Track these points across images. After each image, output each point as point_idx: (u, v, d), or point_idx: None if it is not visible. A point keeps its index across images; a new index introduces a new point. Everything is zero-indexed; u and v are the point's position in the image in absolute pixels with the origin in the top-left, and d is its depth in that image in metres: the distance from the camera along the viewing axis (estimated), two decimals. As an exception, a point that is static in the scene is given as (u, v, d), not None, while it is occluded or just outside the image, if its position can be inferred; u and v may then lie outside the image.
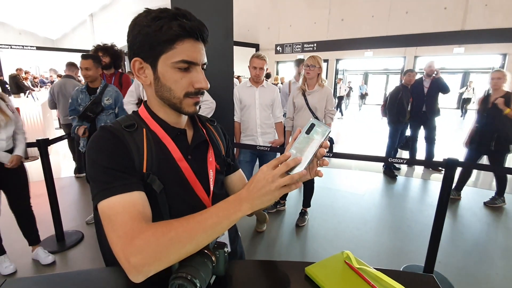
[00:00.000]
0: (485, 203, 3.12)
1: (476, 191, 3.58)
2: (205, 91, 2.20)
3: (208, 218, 0.53)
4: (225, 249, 0.63)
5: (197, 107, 0.67)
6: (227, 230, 0.79)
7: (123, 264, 0.50)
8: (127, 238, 0.51)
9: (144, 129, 0.66)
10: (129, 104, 2.29)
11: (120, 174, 0.58)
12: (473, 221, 2.83)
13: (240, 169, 0.88)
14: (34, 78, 10.55)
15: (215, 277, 0.63)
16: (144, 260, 0.49)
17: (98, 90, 2.34)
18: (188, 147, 0.70)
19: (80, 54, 2.45)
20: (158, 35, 0.59)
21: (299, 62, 3.57)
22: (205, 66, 0.67)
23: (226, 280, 0.66)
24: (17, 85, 7.44)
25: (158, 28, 0.58)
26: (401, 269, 2.07)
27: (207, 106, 2.15)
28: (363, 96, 13.37)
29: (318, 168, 0.57)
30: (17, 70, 7.98)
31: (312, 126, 0.56)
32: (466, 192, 3.52)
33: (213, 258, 0.61)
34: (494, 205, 3.06)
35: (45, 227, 2.23)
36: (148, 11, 0.60)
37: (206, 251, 0.60)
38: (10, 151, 1.89)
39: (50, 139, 2.29)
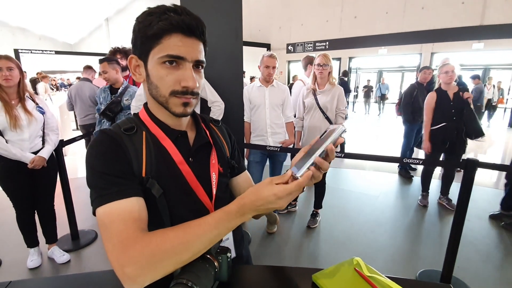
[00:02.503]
0: (439, 202, 3.05)
1: (496, 192, 3.41)
2: (214, 92, 2.14)
3: (207, 230, 0.51)
4: (228, 254, 0.61)
5: (187, 109, 0.63)
6: (232, 234, 0.78)
7: (117, 272, 0.50)
8: (122, 247, 0.50)
9: (144, 132, 0.65)
10: (137, 110, 2.25)
11: (117, 179, 0.57)
12: (493, 223, 2.69)
13: (246, 171, 0.85)
14: (53, 80, 10.91)
15: (218, 283, 0.61)
16: (138, 271, 0.48)
17: (119, 91, 2.43)
18: (189, 150, 0.68)
19: (97, 57, 2.54)
20: (147, 30, 0.58)
21: (309, 61, 3.33)
22: (202, 65, 0.63)
23: (230, 286, 0.64)
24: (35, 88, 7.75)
25: (148, 24, 0.57)
26: (417, 274, 1.99)
27: (218, 108, 2.14)
28: (383, 98, 11.08)
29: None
30: (37, 74, 8.29)
31: (326, 130, 0.54)
32: (486, 193, 3.37)
33: (216, 264, 0.59)
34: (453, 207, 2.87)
35: (61, 226, 2.29)
36: (148, 9, 0.60)
37: (208, 256, 0.58)
38: (38, 152, 1.93)
39: (65, 140, 2.35)
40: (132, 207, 0.55)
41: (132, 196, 0.56)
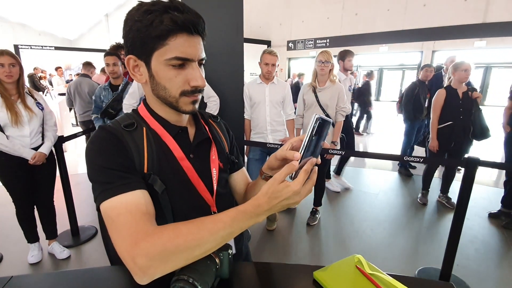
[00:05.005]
0: (439, 201, 3.10)
1: (495, 190, 3.42)
2: (209, 87, 2.15)
3: (221, 229, 0.50)
4: (230, 251, 0.61)
5: (195, 106, 0.63)
6: None
7: (128, 265, 0.49)
8: (132, 240, 0.50)
9: (144, 128, 0.64)
10: (130, 109, 2.18)
11: (121, 173, 0.56)
12: (493, 221, 2.70)
13: (244, 168, 0.85)
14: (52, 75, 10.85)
15: (219, 279, 0.61)
16: (149, 262, 0.48)
17: (120, 87, 2.38)
18: (190, 146, 0.68)
19: (96, 53, 2.51)
20: (149, 31, 0.55)
21: (344, 55, 3.08)
22: (203, 61, 0.63)
23: (231, 283, 0.64)
24: (34, 84, 7.70)
25: (149, 23, 0.54)
26: (416, 272, 2.00)
27: (214, 103, 2.13)
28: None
29: None
30: (34, 69, 8.22)
31: (319, 125, 0.53)
32: (485, 191, 3.37)
33: (217, 261, 0.59)
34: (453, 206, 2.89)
35: (61, 222, 2.29)
36: (140, 4, 0.57)
37: (209, 252, 0.58)
38: (39, 148, 1.93)
39: (65, 136, 2.35)
40: (138, 200, 0.55)
41: (137, 189, 0.56)
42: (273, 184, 0.50)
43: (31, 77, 7.56)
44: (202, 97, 2.10)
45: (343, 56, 3.10)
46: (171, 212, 0.62)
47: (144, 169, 0.60)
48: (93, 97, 2.50)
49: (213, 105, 2.12)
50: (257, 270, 0.73)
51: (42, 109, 1.96)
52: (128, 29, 0.57)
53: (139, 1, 0.59)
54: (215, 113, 2.11)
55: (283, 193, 0.49)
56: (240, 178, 0.82)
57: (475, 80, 9.20)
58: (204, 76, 0.63)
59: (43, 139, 1.98)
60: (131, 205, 0.54)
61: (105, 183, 0.55)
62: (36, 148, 1.91)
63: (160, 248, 0.48)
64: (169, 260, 0.49)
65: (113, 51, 2.48)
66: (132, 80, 2.62)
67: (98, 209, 0.56)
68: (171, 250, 0.49)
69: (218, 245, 0.52)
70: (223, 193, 0.73)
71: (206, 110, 2.11)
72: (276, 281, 0.68)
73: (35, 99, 1.94)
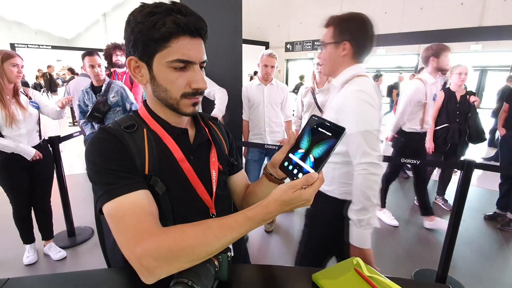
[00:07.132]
0: (435, 202, 3.14)
1: (490, 192, 3.45)
2: (211, 81, 2.11)
3: (228, 234, 0.52)
4: (229, 254, 0.61)
5: (196, 108, 0.64)
6: None
7: (134, 265, 0.50)
8: (137, 240, 0.50)
9: (144, 129, 0.64)
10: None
11: (123, 174, 0.56)
12: (488, 223, 2.72)
13: (243, 170, 0.85)
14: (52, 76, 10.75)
15: (218, 282, 0.61)
16: (155, 263, 0.49)
17: (103, 88, 2.21)
18: (190, 147, 0.68)
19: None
20: (151, 33, 0.55)
21: (439, 50, 2.28)
22: (204, 64, 0.63)
23: (230, 286, 0.64)
24: (50, 82, 7.67)
25: (152, 25, 0.54)
26: (412, 274, 2.01)
27: (220, 94, 2.08)
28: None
29: None
30: (39, 70, 8.14)
31: (313, 124, 0.58)
32: (481, 194, 3.40)
33: (216, 263, 0.59)
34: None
35: (57, 223, 2.27)
36: (143, 6, 0.57)
37: (209, 255, 0.58)
38: (37, 146, 1.93)
39: (62, 136, 2.33)
40: (142, 200, 0.55)
41: (140, 189, 0.56)
42: (287, 192, 0.51)
43: (48, 74, 7.51)
44: (207, 100, 2.10)
45: (437, 52, 2.27)
46: (171, 213, 0.62)
47: (145, 171, 0.60)
48: (77, 103, 2.31)
49: (219, 97, 2.05)
50: (256, 272, 0.73)
51: (37, 107, 1.95)
52: (130, 30, 0.57)
53: (141, 3, 0.59)
54: (225, 104, 2.05)
55: (296, 201, 0.51)
56: (239, 180, 0.82)
57: (471, 83, 9.29)
58: (205, 78, 0.63)
59: (40, 138, 1.98)
60: (135, 205, 0.54)
61: (108, 184, 0.55)
62: (34, 147, 1.91)
63: (165, 250, 0.49)
64: (174, 262, 0.50)
65: (94, 51, 2.28)
66: (130, 82, 2.59)
67: (100, 211, 0.55)
68: (177, 253, 0.49)
69: (222, 249, 0.53)
70: (222, 195, 0.73)
71: (216, 102, 2.06)
72: (275, 284, 0.68)
73: (30, 98, 1.93)
